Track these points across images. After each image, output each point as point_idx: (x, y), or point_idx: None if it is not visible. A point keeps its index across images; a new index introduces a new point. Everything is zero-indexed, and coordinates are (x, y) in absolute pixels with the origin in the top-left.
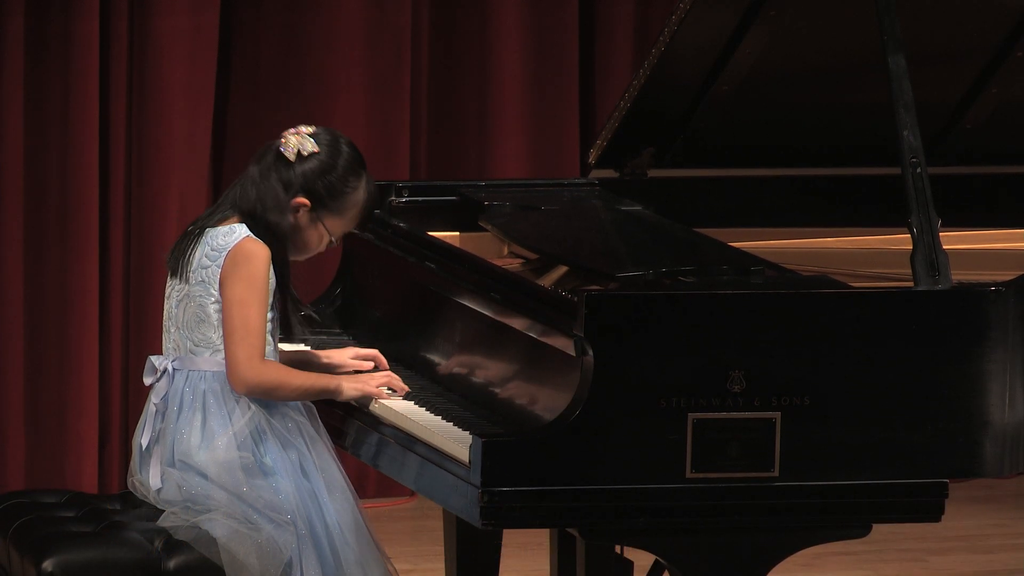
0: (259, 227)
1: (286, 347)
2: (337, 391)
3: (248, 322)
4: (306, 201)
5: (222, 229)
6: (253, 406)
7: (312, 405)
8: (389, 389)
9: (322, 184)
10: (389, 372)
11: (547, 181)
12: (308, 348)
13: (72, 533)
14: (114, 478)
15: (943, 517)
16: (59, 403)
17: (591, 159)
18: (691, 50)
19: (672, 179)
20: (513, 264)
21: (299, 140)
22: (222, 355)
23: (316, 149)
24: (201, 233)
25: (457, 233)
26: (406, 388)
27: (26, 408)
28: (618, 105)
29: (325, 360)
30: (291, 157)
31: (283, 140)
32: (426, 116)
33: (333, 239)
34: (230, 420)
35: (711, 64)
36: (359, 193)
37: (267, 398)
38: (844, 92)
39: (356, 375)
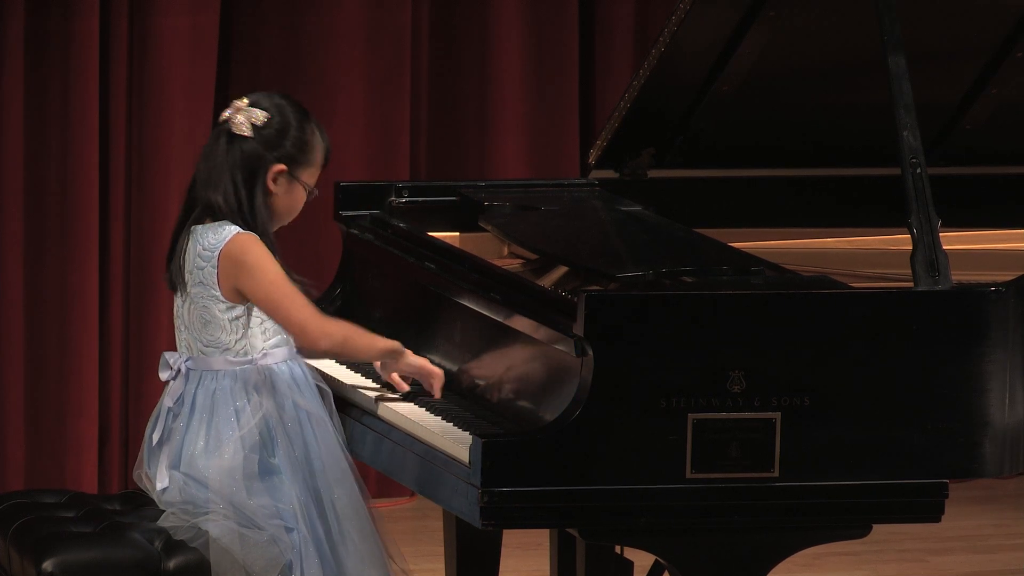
0: (242, 215)
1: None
2: (400, 353)
3: (286, 292)
4: (283, 166)
5: (211, 226)
6: (265, 404)
7: (329, 391)
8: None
9: (288, 143)
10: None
11: (547, 181)
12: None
13: (72, 533)
14: (114, 478)
15: (943, 517)
16: (59, 403)
17: (591, 159)
18: (691, 50)
19: (672, 179)
20: (513, 264)
21: (246, 115)
22: (232, 353)
23: (267, 115)
24: (190, 233)
25: (457, 233)
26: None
27: (26, 408)
28: (618, 105)
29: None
30: (248, 132)
31: (231, 122)
32: (426, 116)
33: (314, 189)
34: (238, 422)
35: (711, 64)
36: (316, 135)
37: (341, 352)
38: (844, 92)
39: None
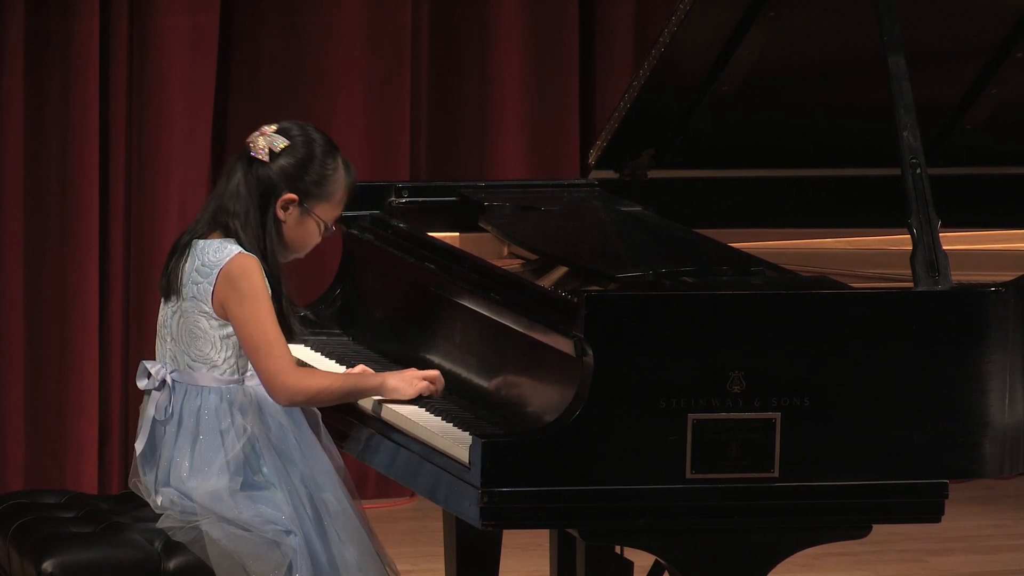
0: (247, 238)
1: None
2: (382, 389)
3: (267, 336)
4: (294, 196)
5: (212, 244)
6: (248, 427)
7: (316, 411)
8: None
9: (304, 174)
10: (434, 374)
11: (547, 182)
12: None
13: (72, 533)
14: (114, 478)
15: (943, 517)
16: (59, 403)
17: (591, 160)
18: (691, 50)
19: (672, 179)
20: (513, 265)
21: (267, 139)
22: (219, 371)
23: (288, 143)
24: (190, 245)
25: (457, 233)
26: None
27: (26, 408)
28: (618, 105)
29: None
30: (264, 157)
31: (251, 144)
32: (426, 116)
33: (329, 226)
34: (223, 444)
35: (711, 64)
36: (340, 172)
37: (312, 405)
38: (844, 92)
39: (401, 371)
